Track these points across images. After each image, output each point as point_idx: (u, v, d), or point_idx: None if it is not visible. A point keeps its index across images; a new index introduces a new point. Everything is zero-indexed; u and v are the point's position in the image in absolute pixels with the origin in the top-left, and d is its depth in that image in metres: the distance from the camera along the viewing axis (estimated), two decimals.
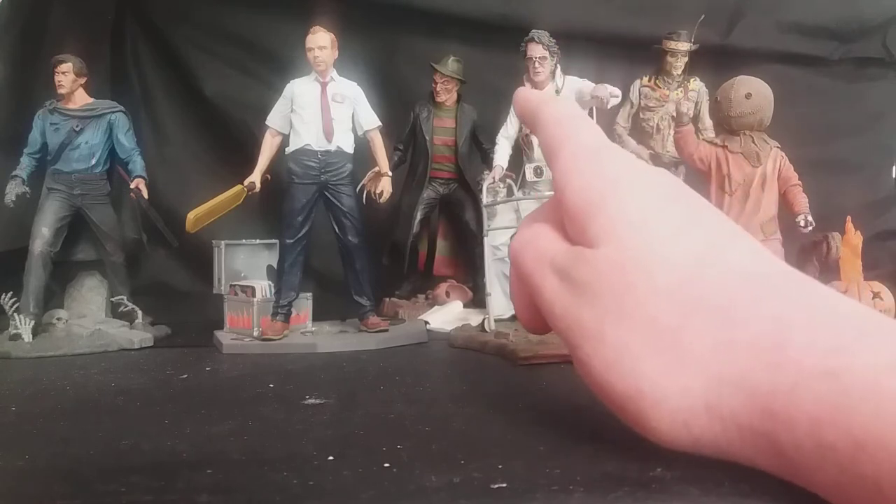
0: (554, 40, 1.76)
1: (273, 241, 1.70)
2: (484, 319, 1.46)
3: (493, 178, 1.78)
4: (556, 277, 0.46)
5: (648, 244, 0.42)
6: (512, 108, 1.83)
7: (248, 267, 1.72)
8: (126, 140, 1.65)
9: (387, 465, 0.48)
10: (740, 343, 0.37)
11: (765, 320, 0.37)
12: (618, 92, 1.70)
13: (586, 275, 0.44)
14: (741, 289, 0.39)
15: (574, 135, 0.50)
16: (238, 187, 1.55)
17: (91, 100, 1.65)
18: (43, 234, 1.54)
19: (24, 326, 1.40)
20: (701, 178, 1.66)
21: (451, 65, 1.95)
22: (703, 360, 0.38)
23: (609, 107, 1.71)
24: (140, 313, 1.56)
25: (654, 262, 0.41)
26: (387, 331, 1.47)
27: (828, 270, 1.69)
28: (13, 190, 1.56)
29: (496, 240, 1.68)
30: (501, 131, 1.86)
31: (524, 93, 0.57)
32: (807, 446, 0.33)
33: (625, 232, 0.43)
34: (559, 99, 0.56)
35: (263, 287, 1.50)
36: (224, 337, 1.40)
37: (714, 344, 0.38)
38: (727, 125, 1.60)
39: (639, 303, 0.41)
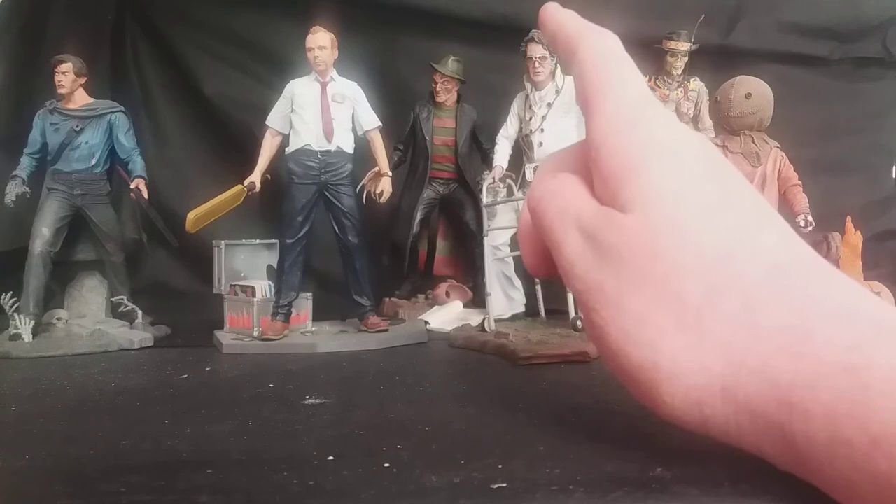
0: None
1: (273, 241, 1.70)
2: (484, 319, 1.46)
3: (493, 178, 1.78)
4: (580, 236, 0.44)
5: (681, 218, 0.41)
6: (513, 108, 1.84)
7: (248, 267, 1.72)
8: (126, 140, 1.65)
9: (387, 465, 0.48)
10: (763, 331, 0.37)
11: (789, 311, 0.37)
12: None
13: (614, 239, 0.42)
14: (768, 277, 0.39)
15: (617, 85, 0.46)
16: (238, 187, 1.55)
17: (91, 100, 1.65)
18: (43, 234, 1.54)
19: (24, 326, 1.40)
20: None
21: (451, 65, 1.94)
22: (724, 342, 0.38)
23: None
24: (140, 313, 1.56)
25: (685, 239, 0.40)
26: (387, 331, 1.46)
27: None
28: (13, 190, 1.56)
29: (496, 240, 1.68)
30: (501, 131, 1.86)
31: (558, 13, 0.51)
32: (820, 439, 0.33)
33: (659, 202, 0.41)
34: (601, 30, 0.49)
35: (263, 287, 1.50)
36: (224, 337, 1.40)
37: (737, 328, 0.38)
38: (727, 125, 1.60)
39: (665, 276, 0.40)
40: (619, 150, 0.44)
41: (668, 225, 0.41)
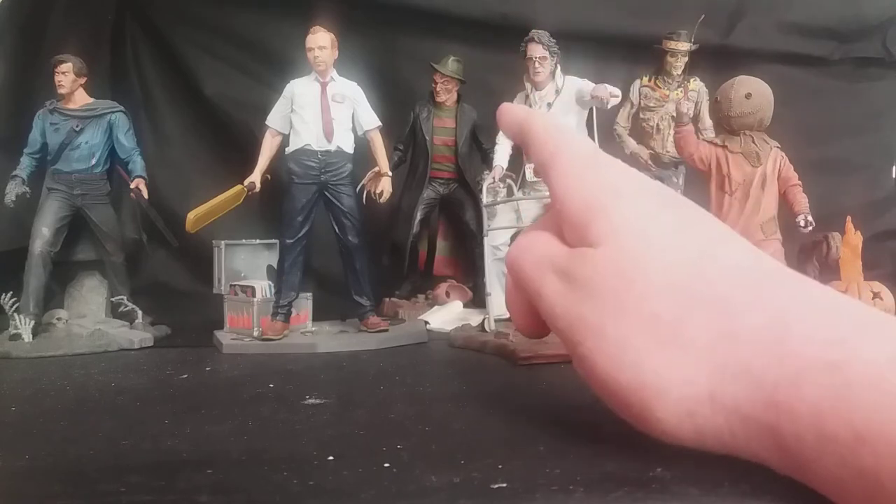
0: (554, 40, 1.76)
1: (273, 241, 1.70)
2: (484, 319, 1.46)
3: (493, 178, 1.78)
4: (556, 278, 0.47)
5: (647, 243, 0.43)
6: None
7: (248, 267, 1.72)
8: (126, 140, 1.65)
9: (387, 465, 0.48)
10: (742, 334, 0.37)
11: (766, 311, 0.37)
12: (618, 92, 1.70)
13: (587, 273, 0.44)
14: (740, 281, 0.40)
15: (567, 145, 0.51)
16: (238, 187, 1.55)
17: (91, 100, 1.64)
18: (43, 234, 1.54)
19: (24, 326, 1.40)
20: (701, 178, 1.66)
21: (451, 65, 1.95)
22: (705, 350, 0.38)
23: (609, 107, 1.71)
24: (140, 313, 1.56)
25: (653, 260, 0.42)
26: (387, 331, 1.46)
27: (828, 270, 1.69)
28: (13, 190, 1.56)
29: (496, 240, 1.68)
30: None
31: (509, 107, 0.58)
32: (808, 437, 0.33)
33: (624, 233, 0.44)
34: (545, 113, 0.57)
35: (263, 287, 1.49)
36: (224, 337, 1.40)
37: (716, 335, 0.38)
38: (727, 125, 1.60)
39: (639, 299, 0.41)
40: (582, 193, 0.47)
41: (636, 250, 0.43)
